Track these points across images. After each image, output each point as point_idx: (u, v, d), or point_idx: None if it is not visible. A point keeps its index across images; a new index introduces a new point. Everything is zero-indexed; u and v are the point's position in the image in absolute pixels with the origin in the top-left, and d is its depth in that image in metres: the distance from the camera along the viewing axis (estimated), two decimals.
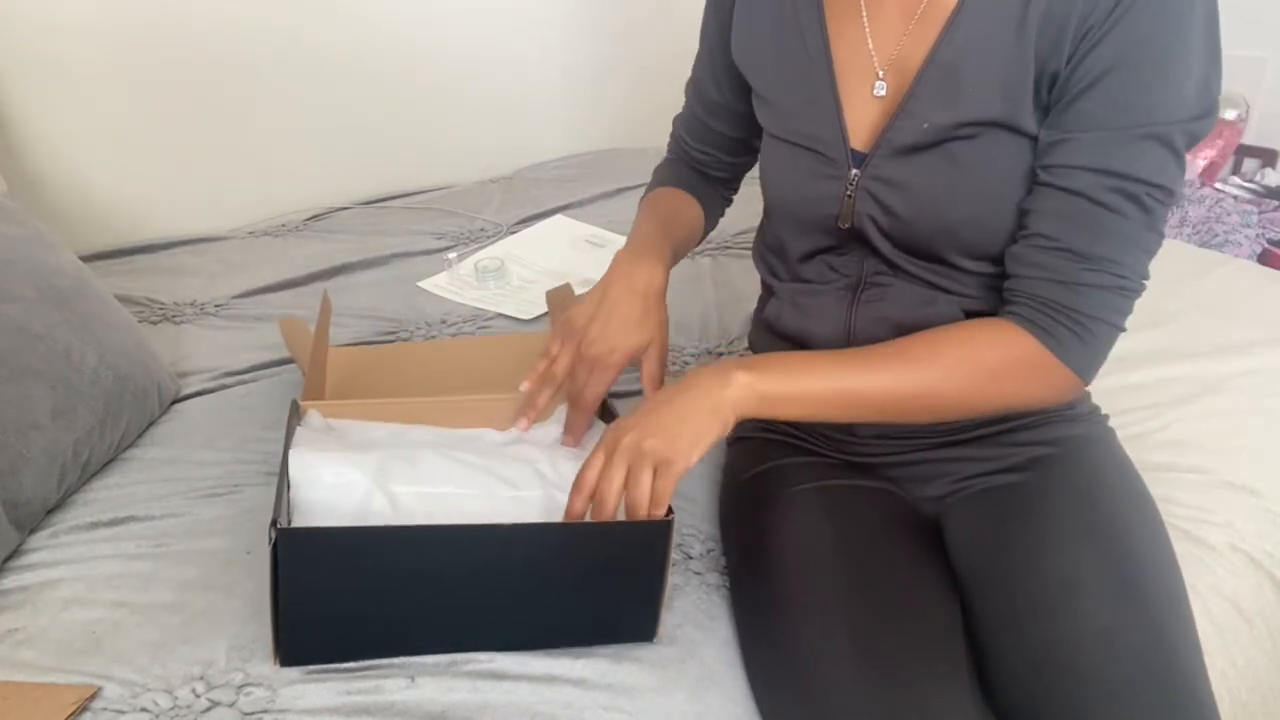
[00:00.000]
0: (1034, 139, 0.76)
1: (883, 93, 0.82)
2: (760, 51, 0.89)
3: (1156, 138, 0.71)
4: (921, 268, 0.84)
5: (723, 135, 1.02)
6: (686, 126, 1.05)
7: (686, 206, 1.02)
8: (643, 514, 0.73)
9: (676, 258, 0.97)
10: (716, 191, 1.08)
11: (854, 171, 0.83)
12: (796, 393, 0.75)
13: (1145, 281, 0.76)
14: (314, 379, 0.97)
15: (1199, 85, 0.71)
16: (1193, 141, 0.72)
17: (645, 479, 0.72)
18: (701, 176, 1.07)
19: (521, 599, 0.77)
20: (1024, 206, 0.77)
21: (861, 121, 0.83)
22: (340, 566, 0.72)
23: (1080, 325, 0.75)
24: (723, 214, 1.11)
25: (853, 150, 0.83)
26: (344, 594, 0.74)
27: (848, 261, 0.88)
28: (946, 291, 0.84)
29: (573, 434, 0.90)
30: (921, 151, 0.80)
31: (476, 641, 0.78)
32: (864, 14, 0.82)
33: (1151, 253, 0.75)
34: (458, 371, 1.13)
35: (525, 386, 0.90)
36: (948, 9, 0.77)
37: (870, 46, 0.82)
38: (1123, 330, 0.76)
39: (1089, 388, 0.94)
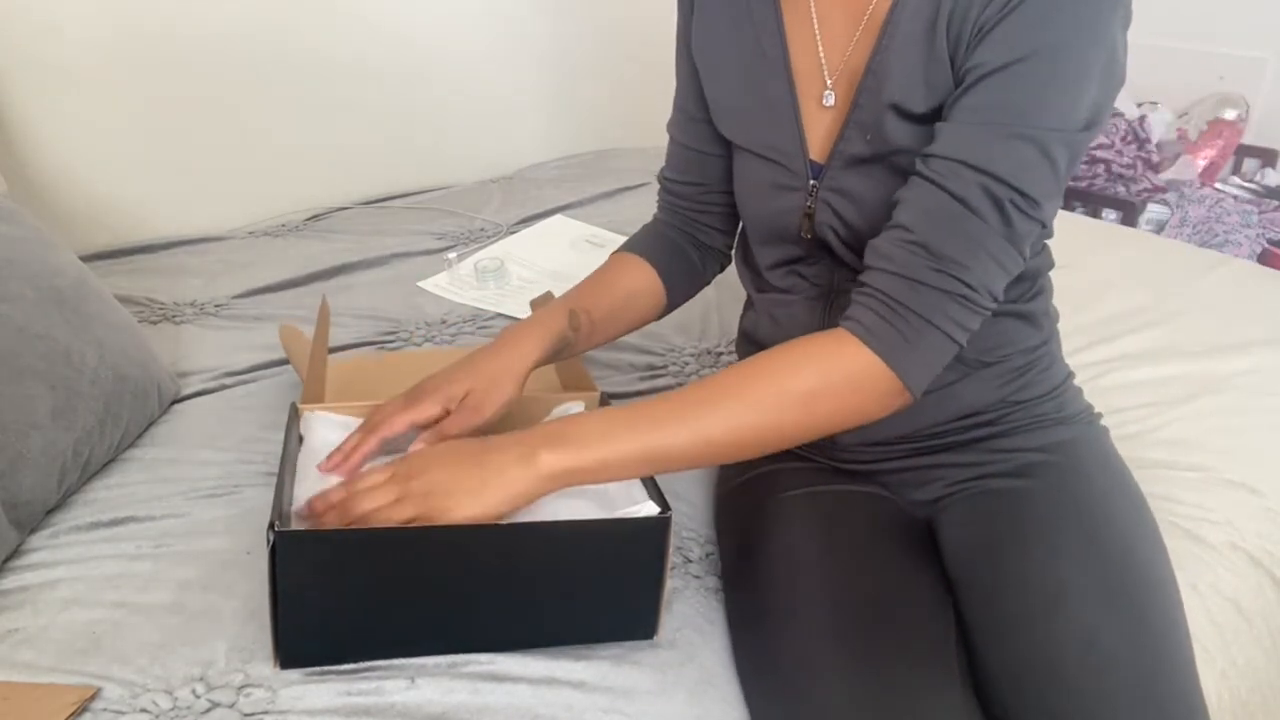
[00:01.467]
0: None
1: (831, 102, 0.81)
2: (718, 60, 0.88)
3: (1033, 141, 0.68)
4: None
5: (713, 157, 0.95)
6: (674, 165, 0.99)
7: (628, 278, 0.97)
8: (350, 518, 0.72)
9: (598, 332, 0.93)
10: (696, 257, 1.01)
11: (812, 182, 0.83)
12: (600, 461, 0.71)
13: (992, 300, 0.72)
14: (313, 384, 0.97)
15: (1090, 100, 0.69)
16: (1074, 158, 0.70)
17: (402, 515, 0.71)
18: (685, 239, 1.01)
19: (521, 598, 0.77)
20: (894, 196, 0.74)
21: (817, 131, 0.83)
22: (338, 568, 0.72)
23: (911, 328, 0.71)
24: (705, 281, 1.04)
25: (811, 161, 0.83)
26: (342, 595, 0.74)
27: (817, 271, 0.87)
28: None
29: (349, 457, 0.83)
30: (869, 163, 0.79)
31: (476, 642, 0.78)
32: (814, 21, 0.82)
33: (1005, 269, 0.71)
34: None
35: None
36: (884, 12, 0.76)
37: (820, 55, 0.81)
38: (959, 345, 0.72)
39: (1080, 385, 0.94)
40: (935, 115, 0.74)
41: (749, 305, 0.98)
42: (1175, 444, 1.09)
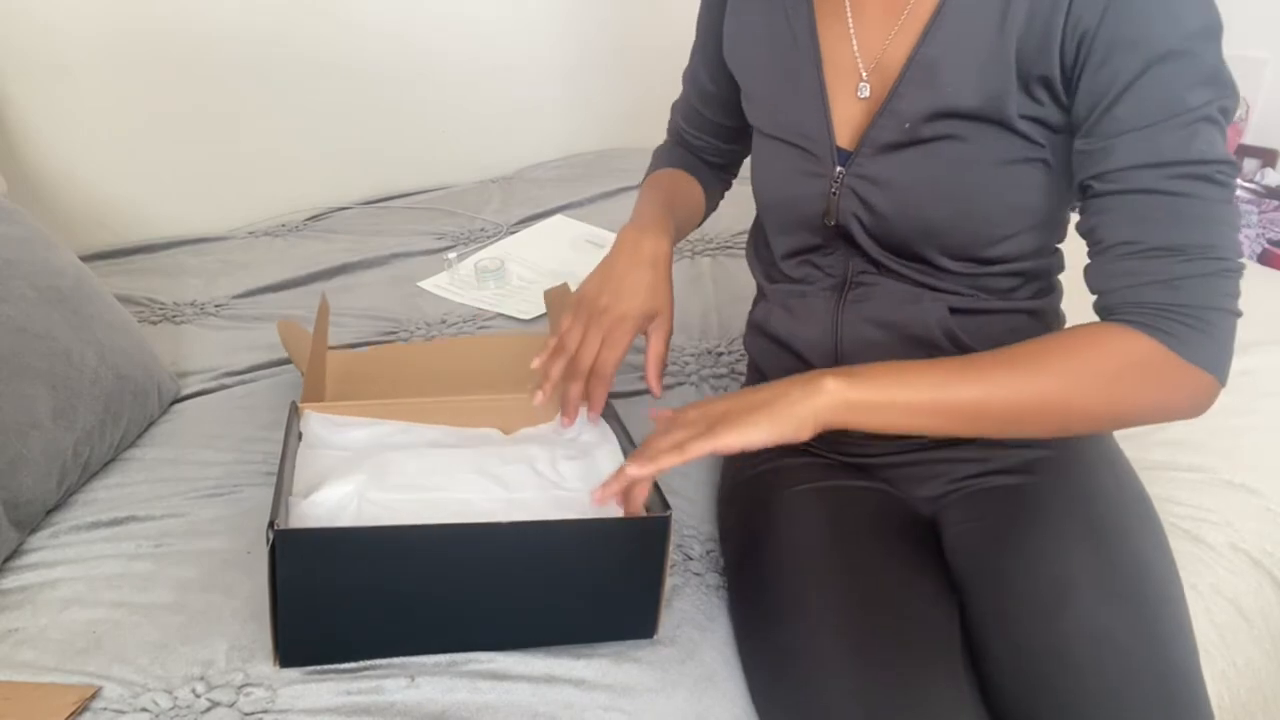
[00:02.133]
0: (1020, 136, 0.76)
1: (866, 94, 0.82)
2: (751, 50, 0.90)
3: (1201, 118, 0.69)
4: (906, 266, 0.84)
5: (717, 124, 1.04)
6: (683, 114, 1.07)
7: (687, 185, 1.05)
8: (653, 467, 0.70)
9: (680, 233, 0.99)
10: (715, 175, 1.10)
11: (839, 169, 0.84)
12: (887, 400, 0.71)
13: (1243, 260, 0.72)
14: (313, 381, 0.97)
15: (1217, 64, 0.70)
16: (1228, 117, 0.71)
17: (683, 434, 0.71)
18: (700, 161, 1.09)
19: (521, 597, 0.77)
20: (1089, 223, 0.74)
21: (846, 120, 0.84)
22: (338, 567, 0.72)
23: (1194, 318, 0.69)
24: (722, 196, 1.13)
25: (838, 148, 0.84)
26: (342, 594, 0.74)
27: (833, 261, 0.88)
28: (932, 289, 0.84)
29: (595, 407, 0.90)
30: (904, 148, 0.80)
31: (477, 640, 0.78)
32: (849, 15, 0.83)
33: (1237, 228, 0.71)
34: (457, 371, 1.13)
35: (537, 363, 0.89)
36: (929, 9, 0.78)
37: (855, 47, 0.83)
38: (1239, 314, 0.71)
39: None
40: (985, 111, 0.75)
41: (760, 297, 0.98)
42: (1175, 444, 1.09)
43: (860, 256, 0.86)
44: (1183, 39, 0.69)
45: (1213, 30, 0.70)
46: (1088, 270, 0.75)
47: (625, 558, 0.77)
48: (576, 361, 0.88)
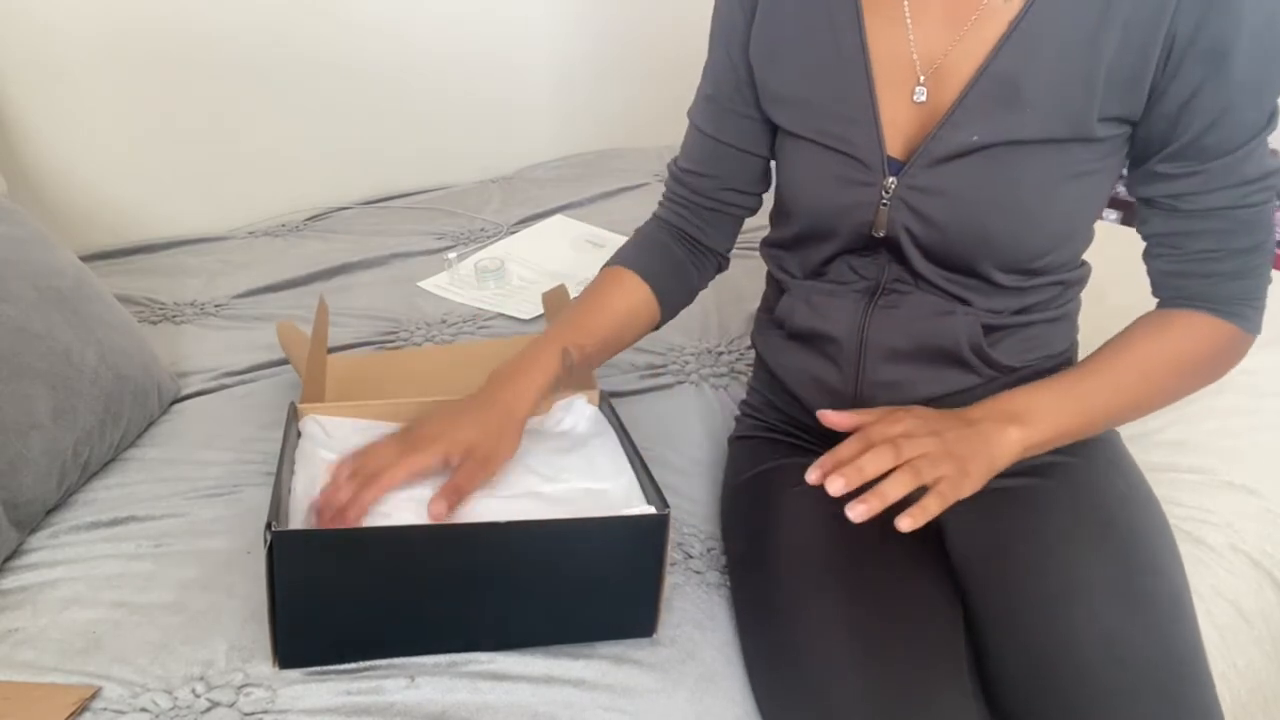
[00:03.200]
0: (1097, 143, 0.77)
1: (923, 99, 0.79)
2: (783, 50, 0.85)
3: (1263, 137, 0.76)
4: (946, 279, 0.83)
5: (736, 151, 0.92)
6: (691, 154, 0.96)
7: (623, 298, 0.94)
8: (880, 504, 0.68)
9: (588, 361, 0.91)
10: (692, 263, 0.99)
11: (890, 179, 0.81)
12: (1055, 438, 0.79)
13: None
14: (312, 383, 0.97)
15: (1275, 85, 0.76)
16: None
17: (937, 472, 0.70)
18: (683, 241, 0.98)
19: (520, 595, 0.77)
20: (1162, 230, 0.81)
21: (898, 127, 0.81)
22: (336, 568, 0.72)
23: (1257, 299, 0.82)
24: (698, 289, 1.02)
25: (889, 157, 0.81)
26: (341, 595, 0.74)
27: (870, 265, 0.86)
28: (965, 303, 0.83)
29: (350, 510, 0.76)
30: (964, 157, 0.78)
31: (475, 641, 0.78)
32: (907, 15, 0.79)
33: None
34: (455, 374, 1.13)
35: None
36: (1007, 17, 0.75)
37: (912, 50, 0.80)
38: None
39: None
40: (1065, 128, 0.75)
41: (780, 292, 0.94)
42: (1176, 446, 1.09)
43: (900, 265, 0.84)
44: (1260, 70, 0.73)
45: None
46: (1157, 269, 0.84)
47: (624, 557, 0.77)
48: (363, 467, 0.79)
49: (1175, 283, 0.83)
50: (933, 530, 0.87)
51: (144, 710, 0.73)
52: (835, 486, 0.69)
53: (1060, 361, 0.90)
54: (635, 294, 0.95)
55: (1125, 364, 0.81)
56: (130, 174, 1.65)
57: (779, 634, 0.77)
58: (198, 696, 0.75)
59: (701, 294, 1.04)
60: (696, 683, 0.77)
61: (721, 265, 1.03)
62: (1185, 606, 0.76)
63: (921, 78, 0.80)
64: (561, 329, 0.91)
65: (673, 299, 0.98)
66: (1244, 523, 1.00)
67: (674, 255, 0.98)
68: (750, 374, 1.07)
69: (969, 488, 0.72)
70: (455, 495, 0.77)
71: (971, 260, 0.81)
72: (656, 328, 1.00)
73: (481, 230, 1.75)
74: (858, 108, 0.81)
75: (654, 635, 0.81)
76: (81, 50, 1.54)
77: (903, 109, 0.80)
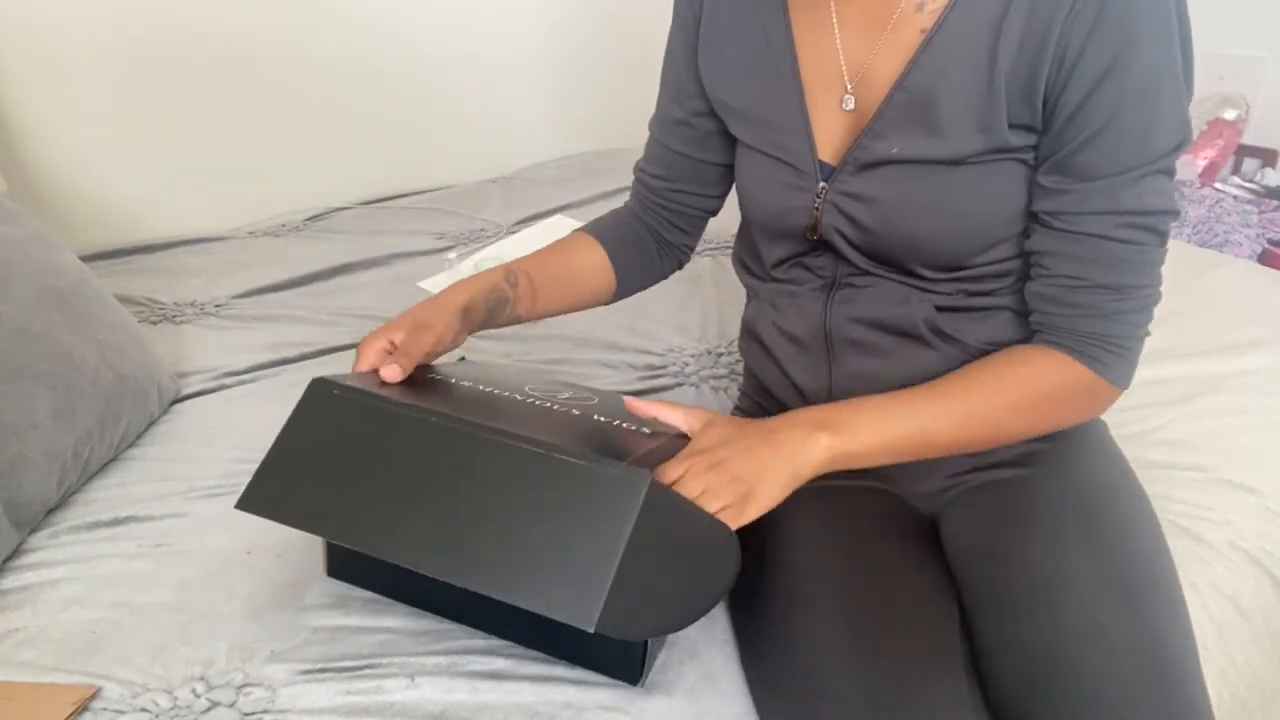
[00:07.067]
0: (1010, 149, 0.76)
1: (851, 106, 0.81)
2: (725, 61, 0.87)
3: (1157, 170, 0.74)
4: (892, 273, 0.85)
5: (688, 159, 0.96)
6: (650, 159, 1.00)
7: (579, 253, 0.99)
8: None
9: (532, 290, 0.93)
10: (654, 250, 1.02)
11: (821, 184, 0.83)
12: (876, 449, 0.78)
13: (1162, 287, 0.80)
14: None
15: (1181, 113, 0.73)
16: (1176, 159, 0.75)
17: (718, 504, 0.72)
18: (649, 232, 1.02)
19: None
20: (1037, 248, 0.79)
21: (830, 133, 0.83)
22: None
23: (1120, 347, 0.79)
24: (660, 275, 1.06)
25: (821, 162, 0.83)
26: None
27: (823, 263, 0.88)
28: (920, 290, 0.84)
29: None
30: (888, 165, 0.79)
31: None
32: (834, 23, 0.81)
33: (1163, 262, 0.79)
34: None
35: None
36: (919, 29, 0.76)
37: (840, 56, 0.81)
38: (1149, 334, 0.81)
39: None
40: (980, 142, 0.76)
41: (752, 296, 0.98)
42: (1175, 444, 1.10)
43: (847, 262, 0.86)
44: (1153, 78, 0.71)
45: (1190, 75, 0.73)
46: (1029, 289, 0.81)
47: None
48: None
49: (1041, 306, 0.81)
50: (929, 527, 0.88)
51: (144, 710, 0.74)
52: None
53: None
54: (592, 254, 0.99)
55: (959, 389, 0.79)
56: (130, 174, 1.65)
57: (775, 631, 0.77)
58: (198, 696, 0.75)
59: (701, 294, 1.05)
60: (695, 683, 0.77)
61: (682, 260, 1.07)
62: (1170, 596, 0.76)
63: (849, 85, 0.81)
64: (512, 261, 0.95)
65: (629, 276, 1.02)
66: (1243, 520, 1.00)
67: (639, 236, 1.02)
68: (743, 379, 1.08)
69: (754, 511, 0.73)
70: (404, 359, 0.80)
71: (904, 260, 0.83)
72: (610, 300, 1.03)
73: (481, 230, 1.75)
74: (791, 116, 0.84)
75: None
76: (81, 50, 1.54)
77: (833, 115, 0.82)
